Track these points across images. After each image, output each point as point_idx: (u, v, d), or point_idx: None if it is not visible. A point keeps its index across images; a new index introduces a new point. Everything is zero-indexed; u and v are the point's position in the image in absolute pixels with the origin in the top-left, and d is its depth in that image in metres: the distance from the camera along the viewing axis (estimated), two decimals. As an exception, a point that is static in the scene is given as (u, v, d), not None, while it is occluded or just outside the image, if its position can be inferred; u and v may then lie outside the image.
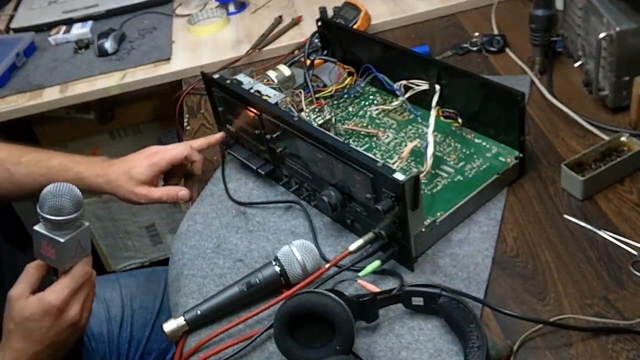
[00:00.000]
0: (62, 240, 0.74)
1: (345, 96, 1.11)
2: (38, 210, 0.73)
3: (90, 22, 1.58)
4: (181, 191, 0.98)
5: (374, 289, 0.78)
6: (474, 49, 1.23)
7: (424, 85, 0.98)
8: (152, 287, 1.16)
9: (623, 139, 0.90)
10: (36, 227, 0.75)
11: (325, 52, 1.15)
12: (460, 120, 0.96)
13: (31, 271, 0.76)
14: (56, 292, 0.74)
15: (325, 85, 1.09)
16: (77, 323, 0.77)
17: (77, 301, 0.76)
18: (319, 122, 0.95)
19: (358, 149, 0.80)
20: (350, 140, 1.01)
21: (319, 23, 1.14)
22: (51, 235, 0.74)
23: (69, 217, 0.74)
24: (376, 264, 0.78)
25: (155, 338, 1.12)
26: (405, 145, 0.97)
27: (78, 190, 0.75)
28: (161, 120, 1.69)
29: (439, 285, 0.74)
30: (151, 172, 0.97)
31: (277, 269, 0.81)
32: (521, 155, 0.91)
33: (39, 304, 0.74)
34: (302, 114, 0.95)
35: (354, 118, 1.07)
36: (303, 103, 0.98)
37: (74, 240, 0.75)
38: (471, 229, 0.86)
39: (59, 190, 0.73)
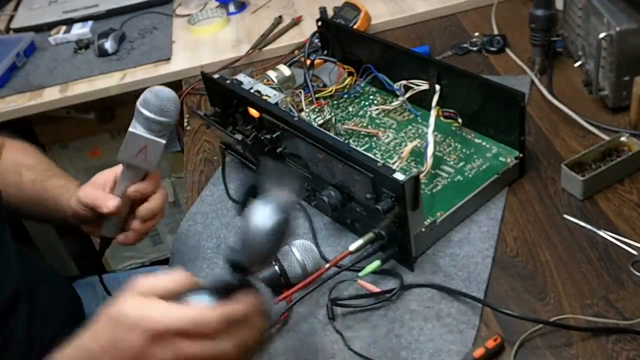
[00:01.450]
0: (163, 141, 0.76)
1: (345, 96, 1.11)
2: (141, 110, 0.75)
3: (90, 22, 1.58)
4: (110, 200, 0.81)
5: (374, 289, 0.78)
6: (474, 49, 1.23)
7: (424, 85, 0.98)
8: None
9: (623, 139, 0.90)
10: (134, 130, 0.76)
11: (325, 52, 1.15)
12: (460, 120, 0.96)
13: (175, 279, 0.58)
14: (164, 319, 0.54)
15: (325, 85, 1.09)
16: None
17: (177, 348, 0.54)
18: (319, 122, 0.95)
19: (358, 149, 0.80)
20: (350, 140, 1.01)
21: (319, 23, 1.14)
22: (152, 137, 0.76)
23: (171, 119, 0.76)
24: (376, 264, 0.78)
25: None
26: (405, 145, 0.97)
27: (174, 93, 0.77)
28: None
29: (439, 285, 0.74)
30: (109, 175, 0.85)
31: (277, 269, 0.81)
32: (521, 155, 0.91)
33: (142, 310, 0.55)
34: (302, 114, 0.95)
35: (354, 118, 1.07)
36: (303, 103, 0.98)
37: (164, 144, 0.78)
38: (471, 229, 0.86)
39: (163, 94, 0.76)
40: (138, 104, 0.76)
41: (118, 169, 0.84)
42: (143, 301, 0.56)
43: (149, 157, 0.77)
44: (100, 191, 0.83)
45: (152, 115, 0.76)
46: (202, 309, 0.55)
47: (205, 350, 0.55)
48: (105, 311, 0.57)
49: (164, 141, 0.77)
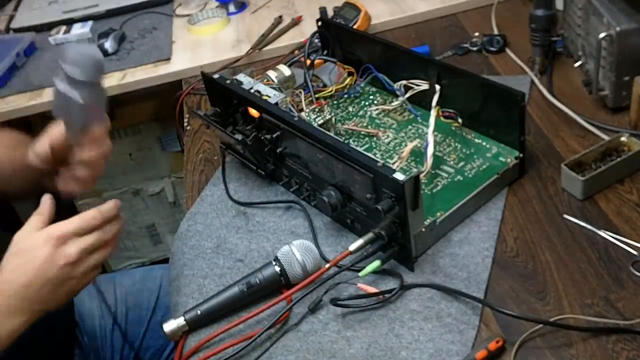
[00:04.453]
0: (80, 101, 0.75)
1: (345, 96, 1.11)
2: (60, 64, 0.74)
3: (90, 22, 1.58)
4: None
5: (374, 291, 0.78)
6: (474, 49, 1.23)
7: (424, 85, 0.98)
8: (147, 284, 1.16)
9: (623, 139, 0.90)
10: (57, 83, 0.75)
11: (325, 52, 1.15)
12: (460, 120, 0.96)
13: (39, 217, 0.76)
14: (59, 225, 0.74)
15: (325, 85, 1.09)
16: (74, 266, 0.74)
17: (78, 242, 0.75)
18: (319, 122, 0.95)
19: (358, 149, 0.80)
20: (350, 140, 1.01)
21: (319, 23, 1.14)
22: (71, 93, 0.75)
23: (89, 79, 0.75)
24: (376, 264, 0.78)
25: (152, 335, 1.12)
26: (405, 145, 0.97)
27: (99, 52, 0.76)
28: (161, 120, 1.69)
29: (439, 285, 0.74)
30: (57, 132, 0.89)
31: (277, 269, 0.81)
32: (521, 155, 0.91)
33: (39, 234, 0.74)
34: (302, 114, 0.95)
35: (354, 118, 1.07)
36: (303, 103, 0.98)
37: (90, 100, 0.76)
38: (471, 229, 0.86)
39: (83, 50, 0.75)
40: (60, 59, 0.75)
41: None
42: (35, 232, 0.75)
43: (72, 113, 0.77)
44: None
45: (71, 71, 0.74)
46: (83, 213, 0.76)
47: (98, 238, 0.77)
48: (6, 257, 0.75)
49: (81, 101, 0.76)
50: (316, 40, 1.15)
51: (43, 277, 0.73)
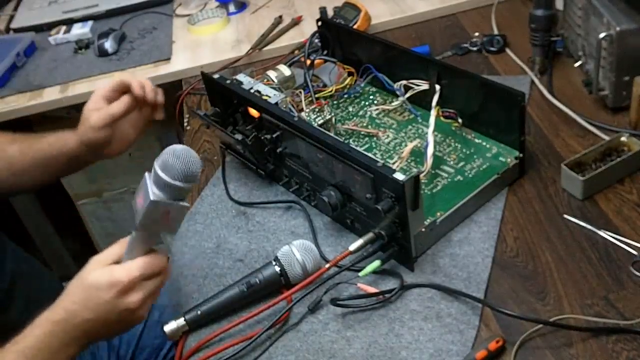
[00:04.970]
0: (188, 204, 0.71)
1: (345, 96, 1.11)
2: (164, 177, 0.68)
3: (90, 22, 1.58)
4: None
5: (374, 291, 0.78)
6: (474, 49, 1.23)
7: (424, 85, 0.98)
8: None
9: (623, 139, 0.90)
10: (156, 198, 0.68)
11: (325, 52, 1.15)
12: (460, 120, 0.96)
13: (122, 245, 0.75)
14: (128, 270, 0.73)
15: (325, 85, 1.09)
16: (134, 312, 0.74)
17: (142, 288, 0.74)
18: (319, 122, 0.95)
19: (358, 149, 0.80)
20: (350, 140, 1.01)
21: (319, 23, 1.14)
22: (175, 202, 0.69)
23: (197, 181, 0.74)
24: (376, 264, 0.78)
25: (149, 334, 1.12)
26: (405, 145, 0.97)
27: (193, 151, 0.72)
28: (161, 120, 1.69)
29: (439, 285, 0.74)
30: (95, 98, 0.98)
31: (277, 269, 0.81)
32: (521, 155, 0.91)
33: (107, 275, 0.72)
34: (302, 114, 0.95)
35: (354, 118, 1.07)
36: (303, 103, 0.98)
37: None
38: (471, 229, 0.86)
39: (185, 156, 0.69)
40: (159, 169, 0.68)
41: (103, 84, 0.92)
42: (105, 268, 0.73)
43: (172, 222, 0.71)
44: (107, 107, 0.96)
45: (177, 183, 0.68)
46: (147, 257, 0.74)
47: (160, 282, 0.76)
48: (74, 282, 0.74)
49: (188, 204, 0.71)
50: (316, 40, 1.15)
51: (103, 319, 0.74)
